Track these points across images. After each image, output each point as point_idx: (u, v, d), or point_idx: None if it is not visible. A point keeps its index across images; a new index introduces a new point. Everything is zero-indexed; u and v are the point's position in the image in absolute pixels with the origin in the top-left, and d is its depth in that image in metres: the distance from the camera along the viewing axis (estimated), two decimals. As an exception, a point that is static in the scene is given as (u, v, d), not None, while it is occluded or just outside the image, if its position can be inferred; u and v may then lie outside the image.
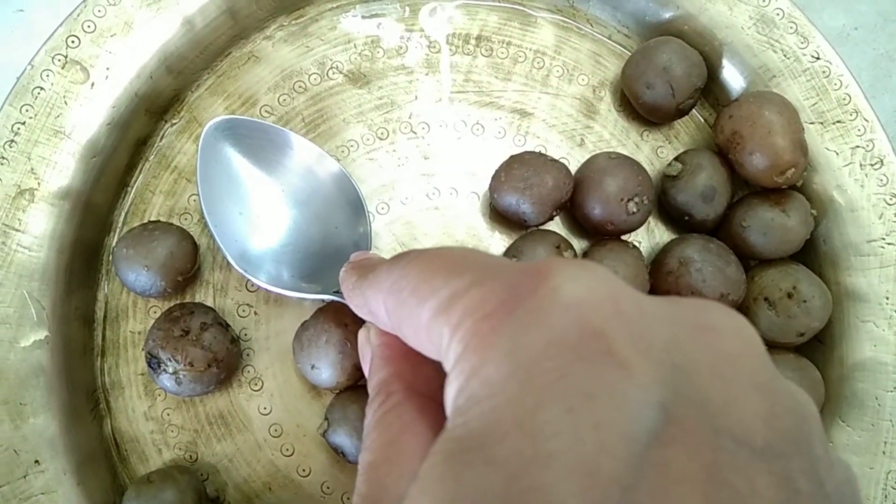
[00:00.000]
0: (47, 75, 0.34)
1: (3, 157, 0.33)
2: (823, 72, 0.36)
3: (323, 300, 0.31)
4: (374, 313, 0.21)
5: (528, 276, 0.16)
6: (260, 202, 0.34)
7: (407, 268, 0.19)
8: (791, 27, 0.36)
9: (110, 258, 0.36)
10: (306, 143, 0.35)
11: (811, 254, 0.36)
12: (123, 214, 0.37)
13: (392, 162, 0.38)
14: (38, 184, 0.33)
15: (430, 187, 0.38)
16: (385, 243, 0.37)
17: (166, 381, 0.33)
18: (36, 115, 0.33)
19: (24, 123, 0.33)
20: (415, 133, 0.38)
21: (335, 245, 0.33)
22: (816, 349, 0.36)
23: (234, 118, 0.34)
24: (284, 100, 0.38)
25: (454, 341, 0.16)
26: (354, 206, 0.34)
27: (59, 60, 0.34)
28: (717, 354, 0.15)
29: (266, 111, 0.38)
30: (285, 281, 0.32)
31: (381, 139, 0.38)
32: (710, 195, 0.36)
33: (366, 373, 0.23)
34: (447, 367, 0.16)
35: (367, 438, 0.19)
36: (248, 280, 0.32)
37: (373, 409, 0.20)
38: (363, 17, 0.39)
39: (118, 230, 0.36)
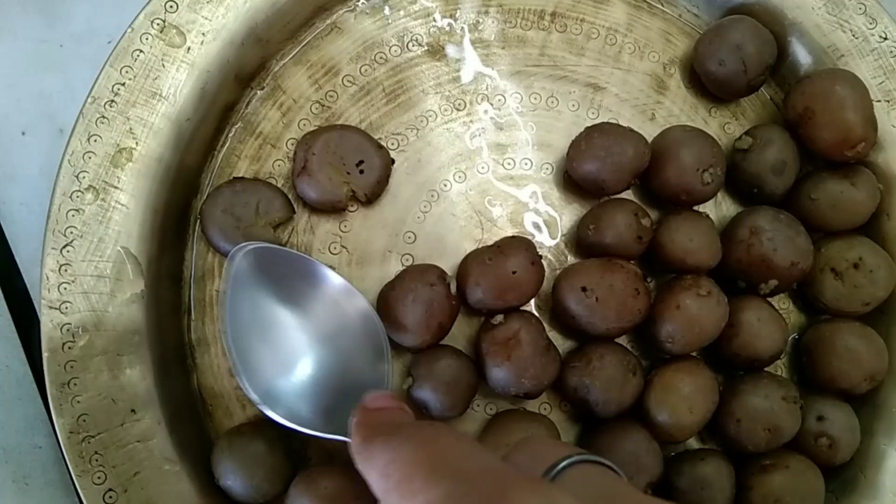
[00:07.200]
0: (146, 38, 0.35)
1: (104, 117, 0.34)
2: (891, 51, 0.37)
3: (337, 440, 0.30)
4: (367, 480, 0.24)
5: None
6: (284, 336, 0.33)
7: (398, 451, 0.21)
8: (860, 8, 0.38)
9: (198, 220, 0.37)
10: (335, 278, 0.34)
11: (874, 228, 0.38)
12: (210, 177, 0.38)
13: (468, 132, 0.39)
14: (136, 143, 0.34)
15: (504, 157, 0.39)
16: (461, 210, 0.38)
17: None
18: (135, 77, 0.34)
19: (123, 84, 0.34)
20: (491, 104, 0.39)
21: (354, 382, 0.33)
22: (879, 320, 0.37)
23: (262, 247, 0.33)
24: (366, 70, 0.39)
25: None
26: (377, 344, 0.34)
27: (158, 24, 0.35)
28: None
29: (348, 81, 0.39)
30: (303, 417, 0.32)
31: (459, 110, 0.39)
32: (781, 168, 0.37)
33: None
34: None
35: None
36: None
37: None
38: (442, -9, 0.40)
39: (205, 192, 0.37)
